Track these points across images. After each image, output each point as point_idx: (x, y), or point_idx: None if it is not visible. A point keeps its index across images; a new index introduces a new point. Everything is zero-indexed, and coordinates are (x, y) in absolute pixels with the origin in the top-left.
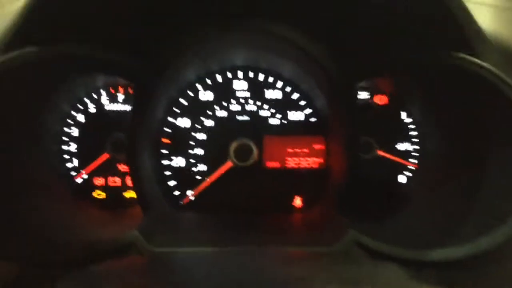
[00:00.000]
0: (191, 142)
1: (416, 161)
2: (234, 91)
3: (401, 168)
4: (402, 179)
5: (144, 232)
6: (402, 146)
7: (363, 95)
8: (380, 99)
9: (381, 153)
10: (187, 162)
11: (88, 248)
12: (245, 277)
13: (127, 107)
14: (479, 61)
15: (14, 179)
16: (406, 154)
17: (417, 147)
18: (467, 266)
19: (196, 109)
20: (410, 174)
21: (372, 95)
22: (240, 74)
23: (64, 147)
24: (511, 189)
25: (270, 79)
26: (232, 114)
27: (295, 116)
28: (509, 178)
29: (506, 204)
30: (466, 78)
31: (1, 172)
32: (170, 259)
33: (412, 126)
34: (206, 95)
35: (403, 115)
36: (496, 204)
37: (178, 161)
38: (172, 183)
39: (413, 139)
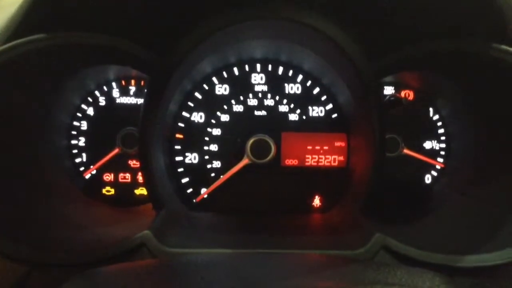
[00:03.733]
0: (206, 138)
1: (442, 160)
2: (251, 85)
3: (428, 168)
4: (428, 179)
5: (156, 232)
6: (428, 145)
7: (389, 90)
8: (407, 95)
9: (407, 151)
10: (201, 158)
11: (98, 248)
12: (262, 281)
13: (139, 100)
14: None
15: (20, 176)
16: (432, 153)
17: (444, 145)
18: (501, 273)
19: (212, 104)
20: (436, 174)
21: (398, 90)
22: (258, 67)
23: (73, 142)
24: None
25: (290, 73)
26: (249, 109)
27: (316, 111)
28: None
29: None
30: (506, 72)
31: (6, 169)
32: (182, 260)
33: (440, 124)
34: (222, 89)
35: (431, 112)
36: None
37: (192, 158)
38: (185, 180)
39: (441, 137)
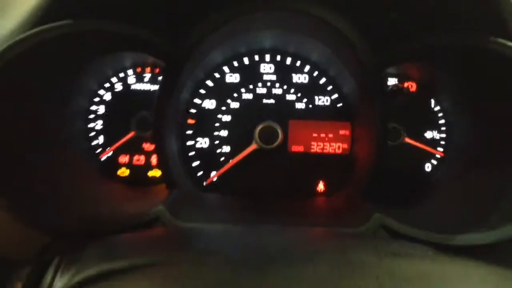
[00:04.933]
0: (216, 124)
1: (442, 150)
2: (261, 74)
3: (428, 156)
4: (428, 167)
5: (169, 207)
6: (429, 134)
7: (392, 81)
8: (409, 86)
9: (408, 140)
10: (212, 143)
11: (114, 221)
12: (270, 251)
13: (153, 87)
14: None
15: (43, 155)
16: (433, 143)
17: (444, 135)
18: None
19: (222, 91)
20: (436, 163)
21: (401, 81)
22: (267, 57)
23: (90, 125)
24: None
25: (298, 63)
26: (258, 97)
27: (321, 101)
28: None
29: None
30: (503, 65)
31: (31, 148)
32: (194, 233)
33: (440, 115)
34: (232, 78)
35: (432, 103)
36: None
37: (203, 142)
38: (196, 163)
39: (441, 128)
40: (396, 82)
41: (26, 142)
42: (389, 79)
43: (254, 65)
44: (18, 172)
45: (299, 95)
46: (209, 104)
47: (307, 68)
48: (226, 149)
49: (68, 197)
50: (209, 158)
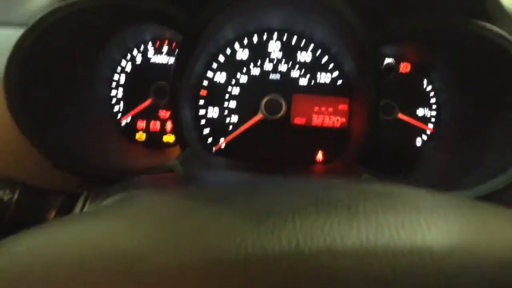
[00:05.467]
0: (226, 96)
1: (432, 126)
2: (268, 51)
3: (419, 132)
4: (418, 142)
5: (182, 161)
6: (421, 112)
7: (388, 61)
8: (404, 67)
9: (401, 116)
10: (221, 113)
11: (132, 171)
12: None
13: (170, 60)
14: (497, 29)
15: (71, 114)
16: (424, 119)
17: (434, 113)
18: None
19: (233, 66)
20: (426, 138)
21: (397, 62)
22: (275, 36)
23: (113, 92)
24: (510, 147)
25: (302, 43)
26: (265, 72)
27: (323, 78)
28: (509, 138)
29: (504, 158)
30: (483, 46)
31: (61, 107)
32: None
33: (432, 94)
34: (242, 54)
35: (425, 83)
36: (496, 160)
37: (213, 112)
38: (206, 131)
39: (432, 106)
40: (393, 62)
41: (59, 101)
42: (386, 59)
43: (263, 43)
44: (53, 125)
45: (302, 71)
46: (220, 77)
47: (311, 47)
48: (234, 118)
49: (92, 149)
50: (219, 126)
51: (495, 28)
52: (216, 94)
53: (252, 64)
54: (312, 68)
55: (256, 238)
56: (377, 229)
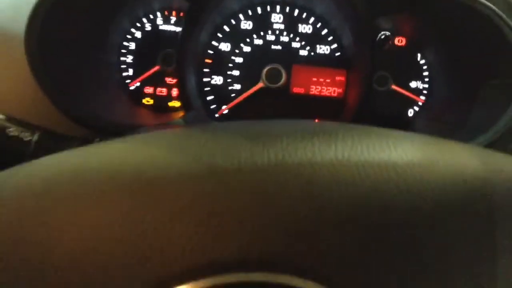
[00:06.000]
0: (230, 65)
1: (424, 98)
2: (271, 23)
3: (411, 103)
4: (410, 112)
5: (186, 120)
6: (414, 84)
7: (383, 34)
8: (399, 41)
9: (395, 87)
10: (225, 81)
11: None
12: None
13: (178, 29)
14: (486, 2)
15: (85, 76)
16: (417, 91)
17: (426, 85)
18: None
19: (236, 36)
20: (417, 109)
21: (392, 36)
22: (277, 8)
23: (122, 58)
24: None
25: (304, 15)
26: (267, 43)
27: (322, 50)
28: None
29: (485, 122)
30: (474, 20)
31: (75, 68)
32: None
33: (425, 67)
34: (246, 25)
35: (419, 56)
36: (478, 124)
37: (217, 80)
38: (210, 98)
39: (425, 79)
40: (388, 34)
41: (74, 63)
42: (382, 32)
43: (266, 15)
44: (69, 85)
45: (303, 43)
46: (225, 46)
47: (311, 19)
48: (237, 86)
49: (104, 108)
50: (222, 93)
51: (484, 1)
52: (220, 63)
53: (255, 35)
54: (312, 40)
55: (249, 152)
56: (351, 148)
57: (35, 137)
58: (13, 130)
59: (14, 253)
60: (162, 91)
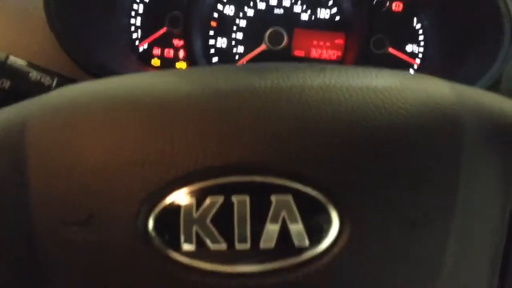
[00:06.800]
0: (234, 28)
1: (419, 61)
2: None
3: (407, 66)
4: None
5: None
6: (410, 48)
7: None
8: (397, 6)
9: (391, 50)
10: (229, 43)
11: None
12: None
13: None
14: None
15: (98, 37)
16: (412, 55)
17: (422, 49)
18: None
19: (240, 0)
20: (412, 72)
21: (390, 2)
22: None
23: (132, 21)
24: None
25: None
26: (270, 7)
27: (323, 14)
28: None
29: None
30: None
31: (89, 26)
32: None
33: (421, 32)
34: None
35: (415, 21)
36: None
37: (222, 42)
38: (215, 59)
39: (420, 43)
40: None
41: (88, 25)
42: None
43: None
44: (83, 37)
45: (304, 7)
46: (229, 10)
47: None
48: (240, 49)
49: (115, 65)
50: (226, 56)
51: None
52: (225, 26)
53: None
54: (313, 4)
55: (248, 79)
56: (338, 76)
57: (55, 82)
58: (34, 75)
59: (51, 159)
60: (170, 52)
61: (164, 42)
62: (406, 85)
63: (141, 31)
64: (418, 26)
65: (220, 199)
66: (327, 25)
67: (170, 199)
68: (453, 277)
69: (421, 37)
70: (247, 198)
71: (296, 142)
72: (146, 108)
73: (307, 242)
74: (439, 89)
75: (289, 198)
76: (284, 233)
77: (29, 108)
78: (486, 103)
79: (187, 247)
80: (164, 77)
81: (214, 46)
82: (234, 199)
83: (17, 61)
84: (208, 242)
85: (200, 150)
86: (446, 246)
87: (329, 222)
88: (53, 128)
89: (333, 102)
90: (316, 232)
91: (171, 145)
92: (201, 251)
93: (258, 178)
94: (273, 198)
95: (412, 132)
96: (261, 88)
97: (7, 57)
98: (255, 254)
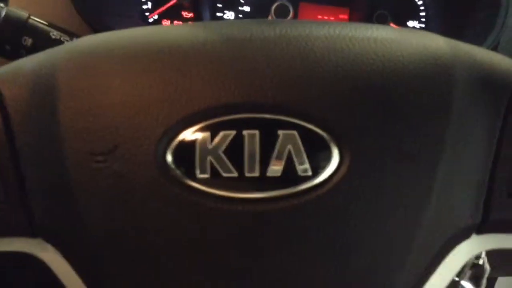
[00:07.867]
0: (241, 0)
1: None
2: None
3: None
4: None
5: None
6: (411, 24)
7: None
8: None
9: (393, 25)
10: (236, 16)
11: None
12: None
13: None
14: None
15: (107, 3)
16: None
17: (423, 25)
18: None
19: None
20: None
21: None
22: None
23: None
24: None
25: None
26: None
27: None
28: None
29: None
30: None
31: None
32: None
33: (422, 8)
34: None
35: None
36: None
37: (229, 15)
38: None
39: (421, 19)
40: None
41: None
42: None
43: None
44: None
45: None
46: None
47: None
48: None
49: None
50: None
51: None
52: None
53: None
54: None
55: (259, 28)
56: (342, 28)
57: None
58: (56, 34)
59: (79, 98)
60: (179, 24)
61: (174, 14)
62: (404, 37)
63: (152, 3)
64: (420, 2)
65: (232, 133)
66: (332, 1)
67: (187, 133)
68: (440, 207)
69: (422, 13)
70: (256, 132)
71: (303, 84)
72: (165, 52)
73: (309, 173)
74: (435, 41)
75: (295, 133)
76: (289, 164)
77: (58, 53)
78: (477, 55)
79: (202, 175)
80: (181, 28)
81: (222, 18)
82: (245, 133)
83: (38, 20)
84: (221, 171)
85: (216, 89)
86: (436, 177)
87: (330, 155)
88: (80, 71)
89: (337, 50)
90: (318, 164)
91: (189, 85)
92: (215, 179)
93: (267, 115)
94: (280, 132)
95: (408, 77)
96: (271, 36)
97: (29, 16)
98: (263, 182)
